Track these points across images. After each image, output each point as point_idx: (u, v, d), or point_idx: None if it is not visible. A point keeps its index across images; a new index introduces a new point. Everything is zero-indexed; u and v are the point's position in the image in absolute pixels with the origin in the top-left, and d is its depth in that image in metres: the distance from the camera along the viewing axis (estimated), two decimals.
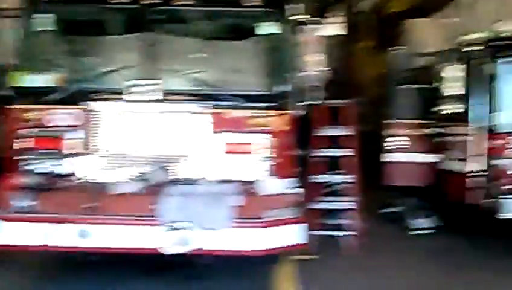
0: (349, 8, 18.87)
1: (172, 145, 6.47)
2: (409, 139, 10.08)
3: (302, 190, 6.74)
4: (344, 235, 8.44)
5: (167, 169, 6.36)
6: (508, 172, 8.36)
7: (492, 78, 8.73)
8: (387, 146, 10.17)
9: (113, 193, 6.19)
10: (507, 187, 8.23)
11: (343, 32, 18.49)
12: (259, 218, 6.06)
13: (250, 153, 6.47)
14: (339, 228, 8.54)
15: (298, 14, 7.02)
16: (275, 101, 6.65)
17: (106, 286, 6.67)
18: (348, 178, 8.58)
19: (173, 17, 6.84)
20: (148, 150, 6.46)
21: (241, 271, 7.03)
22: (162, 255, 5.90)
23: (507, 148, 8.47)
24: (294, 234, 6.31)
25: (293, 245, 6.39)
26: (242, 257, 6.14)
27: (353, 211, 8.51)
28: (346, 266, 7.66)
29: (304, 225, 6.38)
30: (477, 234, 9.25)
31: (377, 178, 10.18)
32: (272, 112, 6.60)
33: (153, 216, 5.91)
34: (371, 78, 16.07)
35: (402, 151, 10.12)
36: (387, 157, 10.15)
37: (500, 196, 8.16)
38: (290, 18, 6.87)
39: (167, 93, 6.50)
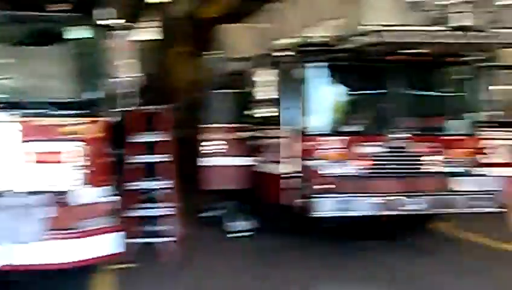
0: (163, 13, 18.91)
1: None
2: (225, 143, 10.29)
3: (117, 198, 6.62)
4: (162, 242, 8.41)
5: None
6: (319, 172, 8.75)
7: (301, 82, 9.12)
8: (203, 151, 10.30)
9: None
10: (318, 187, 8.63)
11: (158, 37, 18.50)
12: (73, 229, 5.90)
13: (61, 162, 6.23)
14: (157, 234, 8.49)
15: (109, 19, 6.89)
16: (87, 108, 6.48)
17: None
18: (165, 184, 8.56)
19: None
20: None
21: (58, 284, 6.76)
22: None
23: (318, 150, 8.88)
24: (110, 243, 6.21)
25: (110, 254, 6.29)
26: (57, 269, 5.93)
27: (171, 217, 8.51)
28: (164, 273, 7.65)
29: (121, 234, 6.29)
30: (293, 234, 9.61)
31: (195, 183, 10.28)
32: (84, 119, 6.41)
33: None
34: (187, 83, 16.22)
35: (218, 155, 10.31)
36: (204, 162, 10.29)
37: (313, 196, 8.54)
38: (101, 23, 6.72)
39: None
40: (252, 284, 7.33)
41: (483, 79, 9.76)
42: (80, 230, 5.92)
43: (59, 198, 6.08)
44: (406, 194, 8.75)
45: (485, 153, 9.39)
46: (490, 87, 9.96)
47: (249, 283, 7.37)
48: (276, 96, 9.50)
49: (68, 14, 6.50)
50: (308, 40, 9.36)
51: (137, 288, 7.05)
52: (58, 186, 6.18)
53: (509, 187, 9.20)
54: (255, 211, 10.12)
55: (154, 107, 8.96)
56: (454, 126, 9.48)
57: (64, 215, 5.91)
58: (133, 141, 8.50)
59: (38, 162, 6.19)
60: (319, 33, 10.07)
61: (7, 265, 5.60)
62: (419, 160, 9.08)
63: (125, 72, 6.90)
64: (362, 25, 8.73)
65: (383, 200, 8.61)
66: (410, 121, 9.22)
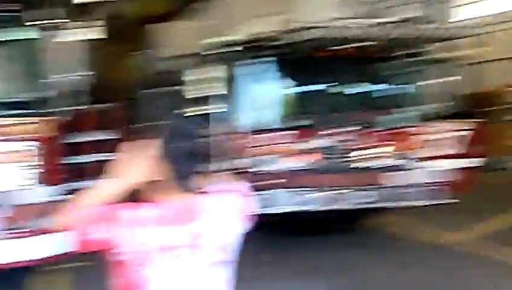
0: (105, 12, 18.68)
1: None
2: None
3: (69, 197, 6.58)
4: None
5: None
6: (251, 170, 8.57)
7: (235, 79, 9.02)
8: None
9: None
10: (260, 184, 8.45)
11: (100, 36, 18.22)
12: (26, 227, 5.89)
13: (12, 161, 6.19)
14: None
15: (53, 18, 6.85)
16: (37, 107, 6.44)
17: None
18: None
19: None
20: None
21: (7, 284, 6.70)
22: None
23: (250, 147, 8.75)
24: (63, 242, 6.18)
25: (63, 253, 6.25)
26: (9, 268, 5.92)
27: None
28: None
29: (73, 232, 6.23)
30: None
31: None
32: (34, 119, 6.37)
33: None
34: (125, 82, 16.10)
35: None
36: None
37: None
38: (44, 22, 6.67)
39: None
40: None
41: (425, 72, 9.74)
42: (33, 229, 5.90)
43: (12, 197, 6.05)
44: (341, 189, 8.70)
45: (428, 146, 9.21)
46: (432, 80, 9.98)
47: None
48: (213, 94, 9.38)
49: (11, 14, 6.43)
50: (246, 37, 9.23)
51: (92, 286, 7.02)
52: (10, 185, 6.15)
53: (454, 179, 9.13)
54: None
55: (102, 105, 8.90)
56: (396, 119, 9.34)
57: (16, 214, 5.89)
58: (84, 140, 8.44)
59: None
60: (254, 29, 9.99)
61: None
62: (350, 155, 8.94)
63: (71, 71, 6.89)
64: (300, 21, 8.73)
65: (316, 195, 8.61)
66: (350, 115, 9.15)
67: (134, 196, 2.39)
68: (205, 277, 2.37)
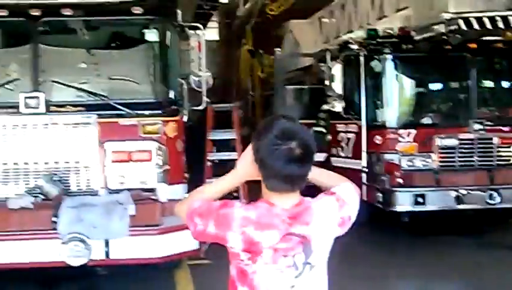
0: (228, 14, 19.06)
1: (63, 157, 6.28)
2: None
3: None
4: None
5: (59, 181, 6.18)
6: (398, 166, 8.61)
7: (376, 75, 9.05)
8: None
9: (7, 208, 5.96)
10: (398, 181, 8.53)
11: (223, 37, 18.63)
12: (155, 225, 6.03)
13: (141, 161, 6.40)
14: None
15: (182, 21, 7.03)
16: (163, 107, 6.63)
17: None
18: None
19: (59, 28, 6.70)
20: (38, 163, 6.24)
21: (140, 279, 6.93)
22: (62, 268, 5.76)
23: (396, 143, 8.76)
24: (189, 240, 6.30)
25: (189, 251, 6.39)
26: (140, 265, 6.10)
27: None
28: None
29: None
30: (371, 229, 9.42)
31: None
32: (160, 119, 6.55)
33: (49, 229, 5.77)
34: (253, 81, 16.32)
35: None
36: None
37: (392, 190, 8.45)
38: (175, 24, 6.87)
39: (53, 104, 6.35)
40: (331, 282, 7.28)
41: None
42: (161, 227, 6.05)
43: (140, 195, 6.25)
44: (487, 187, 8.53)
45: None
46: None
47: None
48: (350, 91, 9.44)
49: (146, 17, 6.66)
50: (381, 32, 9.27)
51: (213, 284, 7.12)
52: (139, 184, 6.36)
53: None
54: None
55: (224, 105, 9.05)
56: None
57: (145, 212, 6.05)
58: (209, 138, 8.62)
59: (118, 161, 6.38)
60: (385, 26, 9.95)
61: (96, 259, 5.79)
62: (501, 151, 8.81)
63: (197, 71, 7.00)
64: (443, 13, 8.54)
65: (463, 194, 8.44)
66: (491, 112, 9.05)
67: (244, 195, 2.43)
68: (310, 278, 2.40)
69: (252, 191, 8.57)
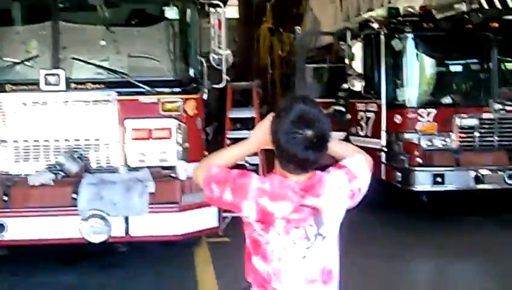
0: None
1: (83, 134, 6.33)
2: None
3: None
4: None
5: (80, 158, 6.23)
6: (419, 145, 8.56)
7: (397, 54, 8.95)
8: None
9: (27, 185, 6.02)
10: (418, 160, 8.49)
11: (243, 15, 18.49)
12: (175, 203, 6.07)
13: (161, 138, 6.42)
14: None
15: None
16: (183, 85, 6.63)
17: (30, 276, 6.48)
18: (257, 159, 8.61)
19: (79, 5, 6.72)
20: (58, 140, 6.29)
21: (160, 256, 7.00)
22: (82, 244, 5.85)
23: (417, 123, 8.69)
24: (208, 217, 6.35)
25: (208, 228, 6.44)
26: (160, 242, 6.16)
27: None
28: None
29: (216, 208, 6.41)
30: (390, 208, 9.41)
31: None
32: (180, 97, 6.56)
33: (69, 206, 5.83)
34: (273, 59, 16.26)
35: None
36: None
37: (412, 169, 8.43)
38: (195, 2, 6.84)
39: (73, 82, 6.38)
40: (344, 261, 7.29)
41: None
42: (181, 204, 6.08)
43: (160, 173, 6.29)
44: (507, 167, 8.47)
45: None
46: None
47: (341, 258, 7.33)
48: (370, 69, 9.38)
49: None
50: (402, 11, 9.17)
51: (232, 263, 7.15)
52: (159, 161, 6.39)
53: None
54: None
55: (244, 83, 9.03)
56: None
57: (165, 189, 6.08)
58: (229, 116, 8.61)
59: (138, 139, 6.42)
60: (406, 4, 9.84)
61: (117, 236, 5.86)
62: None
63: (217, 49, 6.98)
64: None
65: (482, 174, 8.40)
66: (511, 91, 8.93)
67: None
68: (321, 249, 2.46)
69: (270, 160, 8.58)
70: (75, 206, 5.82)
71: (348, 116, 10.05)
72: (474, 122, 8.64)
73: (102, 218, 5.75)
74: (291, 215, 2.40)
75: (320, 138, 2.40)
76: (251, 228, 2.45)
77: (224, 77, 6.90)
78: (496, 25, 8.77)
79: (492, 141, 8.68)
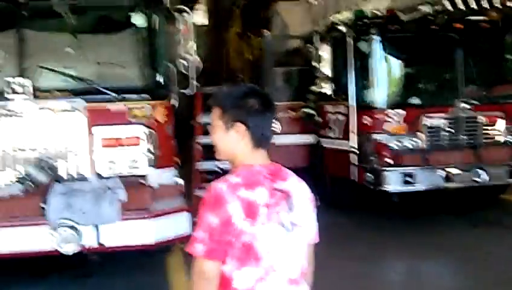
0: None
1: (52, 143, 6.23)
2: (284, 121, 10.27)
3: (182, 180, 6.73)
4: None
5: (48, 168, 6.14)
6: (388, 146, 8.65)
7: (364, 56, 9.05)
8: None
9: None
10: (387, 161, 8.56)
11: (211, 20, 18.45)
12: (146, 210, 6.02)
13: (130, 145, 6.36)
14: None
15: (169, 4, 6.97)
16: (151, 91, 6.59)
17: None
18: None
19: (44, 12, 6.62)
20: (27, 150, 6.18)
21: (132, 264, 6.95)
22: (54, 255, 5.77)
23: (385, 123, 8.80)
24: (180, 224, 6.31)
25: (181, 235, 6.38)
26: (132, 250, 6.10)
27: None
28: None
29: (189, 214, 6.38)
30: (360, 210, 9.51)
31: None
32: (149, 103, 6.52)
33: (38, 216, 5.76)
34: (243, 63, 16.24)
35: (277, 133, 10.31)
36: None
37: (382, 170, 8.50)
38: (161, 8, 6.80)
39: (40, 90, 6.29)
40: (315, 262, 7.31)
41: None
42: (152, 211, 6.04)
43: (131, 181, 6.22)
44: (475, 165, 8.60)
45: None
46: None
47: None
48: (339, 72, 9.44)
49: (132, 0, 6.60)
50: (369, 13, 9.26)
51: None
52: (128, 169, 6.32)
53: None
54: (317, 188, 10.05)
55: (213, 88, 9.01)
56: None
57: (136, 197, 6.02)
58: (198, 122, 8.59)
59: (107, 146, 6.33)
60: (372, 6, 9.90)
61: (88, 246, 5.79)
62: (487, 129, 8.90)
63: (185, 55, 6.96)
64: None
65: (451, 172, 8.50)
66: (476, 90, 9.11)
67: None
68: (296, 238, 2.49)
69: None
70: (45, 216, 5.74)
71: (318, 118, 10.10)
72: (441, 121, 8.74)
73: (72, 227, 5.69)
74: (269, 200, 2.42)
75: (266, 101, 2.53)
76: (240, 237, 2.37)
77: (193, 82, 6.87)
78: (460, 25, 8.89)
79: (459, 139, 8.79)
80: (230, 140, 2.50)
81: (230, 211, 2.36)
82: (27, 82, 6.19)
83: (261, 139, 2.50)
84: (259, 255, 2.40)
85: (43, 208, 5.77)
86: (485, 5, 8.40)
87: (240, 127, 2.48)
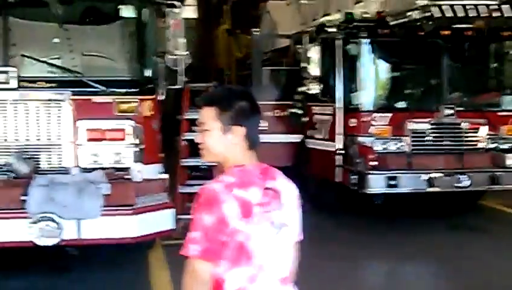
0: None
1: (35, 134, 6.17)
2: (270, 120, 10.24)
3: (167, 175, 6.68)
4: None
5: (31, 159, 6.07)
6: (372, 149, 8.66)
7: (352, 58, 9.05)
8: None
9: None
10: (372, 163, 8.56)
11: (200, 16, 18.36)
12: (129, 205, 5.97)
13: (115, 139, 6.31)
14: None
15: None
16: (138, 86, 6.54)
17: None
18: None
19: (31, 0, 6.54)
20: (9, 140, 6.13)
21: (113, 259, 6.88)
22: (31, 247, 5.71)
23: (370, 126, 8.78)
24: (163, 220, 6.27)
25: (163, 231, 6.35)
26: (113, 244, 6.06)
27: None
28: None
29: (172, 210, 6.35)
30: (344, 211, 9.49)
31: None
32: (136, 97, 6.46)
33: (19, 208, 5.69)
34: (231, 61, 16.20)
35: (264, 132, 10.28)
36: None
37: (366, 172, 8.51)
38: (151, 1, 6.74)
39: (25, 80, 6.20)
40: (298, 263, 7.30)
41: None
42: (135, 206, 5.99)
43: (114, 175, 6.18)
44: (457, 170, 8.64)
45: None
46: None
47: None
48: (327, 73, 9.43)
49: None
50: (358, 16, 9.26)
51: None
52: (113, 163, 6.28)
53: None
54: (300, 188, 10.04)
55: (201, 84, 8.96)
56: (506, 101, 9.35)
57: (119, 192, 5.96)
58: (185, 118, 8.53)
59: (92, 140, 6.29)
60: (362, 9, 9.91)
61: (68, 239, 5.72)
62: (470, 136, 8.94)
63: (174, 50, 6.90)
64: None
65: (434, 177, 8.53)
66: (460, 97, 9.16)
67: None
68: (286, 238, 2.50)
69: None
70: (25, 208, 5.67)
71: (305, 119, 10.09)
72: (425, 126, 8.78)
73: (53, 221, 5.62)
74: (262, 199, 2.42)
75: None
76: (234, 237, 2.35)
77: (181, 78, 6.81)
78: (447, 32, 8.93)
79: (442, 145, 8.83)
80: (226, 142, 2.46)
81: (226, 210, 2.34)
82: (11, 71, 6.11)
83: (255, 141, 2.50)
84: (251, 254, 2.39)
85: (23, 200, 5.69)
86: (472, 14, 8.43)
87: (240, 129, 2.45)
